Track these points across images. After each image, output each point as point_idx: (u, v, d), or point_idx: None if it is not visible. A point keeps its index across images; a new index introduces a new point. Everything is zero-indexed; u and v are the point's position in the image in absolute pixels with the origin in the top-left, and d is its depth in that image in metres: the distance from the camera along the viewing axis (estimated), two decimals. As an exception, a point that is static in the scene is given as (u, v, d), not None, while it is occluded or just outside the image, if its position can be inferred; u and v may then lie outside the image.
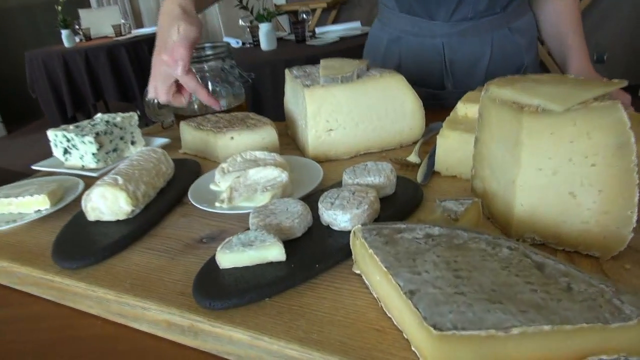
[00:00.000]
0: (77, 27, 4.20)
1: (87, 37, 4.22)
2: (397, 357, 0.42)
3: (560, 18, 1.11)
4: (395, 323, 0.45)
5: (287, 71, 0.96)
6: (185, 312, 0.51)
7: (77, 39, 4.17)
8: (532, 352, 0.37)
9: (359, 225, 0.52)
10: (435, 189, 0.72)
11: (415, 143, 0.89)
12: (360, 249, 0.52)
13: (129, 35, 4.20)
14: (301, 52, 2.85)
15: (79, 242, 0.65)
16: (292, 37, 3.30)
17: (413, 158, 0.81)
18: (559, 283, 0.41)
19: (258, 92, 2.52)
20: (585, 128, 0.48)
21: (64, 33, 3.98)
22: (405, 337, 0.44)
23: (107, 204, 0.68)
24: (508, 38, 1.12)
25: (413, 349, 0.42)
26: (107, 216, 0.69)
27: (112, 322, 0.57)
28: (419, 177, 0.74)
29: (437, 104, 1.14)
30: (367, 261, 0.50)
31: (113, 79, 3.83)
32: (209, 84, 1.05)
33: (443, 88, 1.17)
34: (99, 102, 3.97)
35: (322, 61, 0.92)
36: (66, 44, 4.00)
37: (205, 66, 1.02)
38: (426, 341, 0.38)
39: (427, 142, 0.89)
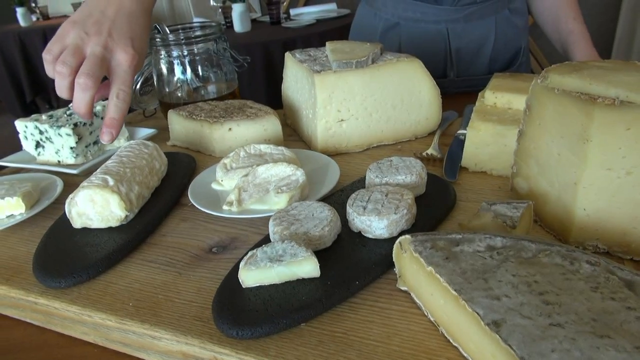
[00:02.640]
0: (33, 4, 3.92)
1: (45, 16, 3.96)
2: (477, 398, 0.35)
3: (557, 1, 1.07)
4: (463, 354, 0.39)
5: (288, 55, 0.87)
6: (206, 342, 0.43)
7: (34, 18, 3.90)
8: (651, 396, 0.31)
9: (407, 236, 0.45)
10: (466, 187, 0.65)
11: (431, 134, 0.82)
12: (409, 263, 0.45)
13: (90, 15, 3.94)
14: (277, 34, 2.74)
15: (65, 255, 0.55)
16: (266, 18, 3.18)
17: (433, 151, 0.75)
18: (660, 307, 0.35)
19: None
20: (668, 123, 0.42)
21: (19, 11, 3.70)
22: (481, 372, 0.37)
23: (97, 209, 0.59)
24: (509, 20, 1.07)
25: (494, 388, 0.35)
26: (97, 223, 0.59)
27: (113, 352, 0.49)
28: (446, 173, 0.68)
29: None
30: (421, 279, 0.43)
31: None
32: (199, 68, 0.95)
33: (445, 76, 1.11)
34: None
35: (328, 44, 0.83)
36: (22, 22, 3.73)
37: (195, 49, 0.92)
38: (525, 386, 0.32)
39: (443, 134, 0.82)
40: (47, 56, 0.64)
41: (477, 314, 0.35)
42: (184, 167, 0.76)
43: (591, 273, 0.39)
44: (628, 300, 0.36)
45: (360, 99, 0.76)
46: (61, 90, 0.63)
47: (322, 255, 0.50)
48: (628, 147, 0.44)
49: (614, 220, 0.47)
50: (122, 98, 0.63)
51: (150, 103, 1.02)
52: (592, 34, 1.06)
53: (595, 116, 0.44)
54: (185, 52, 0.91)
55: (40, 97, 3.69)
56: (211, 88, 0.98)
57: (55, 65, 0.62)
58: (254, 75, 2.46)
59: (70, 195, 0.59)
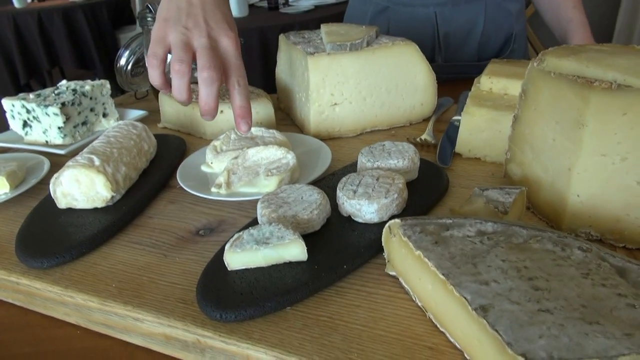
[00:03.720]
0: (28, -15, 3.85)
1: (40, -2, 3.89)
2: (462, 384, 0.35)
3: None
4: (450, 339, 0.38)
5: (282, 37, 0.85)
6: (190, 324, 0.42)
7: (29, 0, 3.84)
8: (639, 384, 0.31)
9: (397, 220, 0.44)
10: (459, 173, 0.64)
11: (426, 120, 0.81)
12: (398, 247, 0.44)
13: (86, -3, 3.89)
14: (275, 20, 2.70)
15: (48, 235, 0.54)
16: (264, 4, 3.14)
17: (428, 137, 0.73)
18: (652, 294, 0.35)
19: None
20: (666, 108, 0.41)
21: (14, -8, 3.64)
22: (467, 357, 0.36)
23: (82, 189, 0.58)
24: (500, 5, 1.06)
25: (480, 374, 0.35)
26: (82, 203, 0.58)
27: (95, 333, 0.48)
28: (439, 159, 0.67)
29: None
30: (409, 263, 0.42)
31: (69, 44, 3.55)
32: (191, 49, 0.93)
33: (433, 61, 1.09)
34: (54, 68, 3.69)
35: (323, 26, 0.82)
36: (16, 4, 3.67)
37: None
38: (511, 372, 0.31)
39: (438, 120, 0.81)
40: (154, 61, 0.59)
41: (465, 298, 0.35)
42: (173, 149, 0.75)
43: (582, 259, 0.38)
44: (619, 287, 0.35)
45: (354, 83, 0.75)
46: (181, 91, 0.58)
47: (310, 238, 0.49)
48: (624, 132, 0.43)
49: (607, 207, 0.46)
50: (242, 85, 0.60)
51: (141, 85, 1.01)
52: (593, 26, 1.05)
53: (591, 100, 0.43)
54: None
55: (34, 80, 3.65)
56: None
57: (172, 66, 0.57)
58: (250, 61, 2.44)
59: (55, 175, 0.58)
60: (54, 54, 3.59)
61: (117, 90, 1.06)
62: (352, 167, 0.63)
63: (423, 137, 0.73)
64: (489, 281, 0.36)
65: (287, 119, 0.88)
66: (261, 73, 2.44)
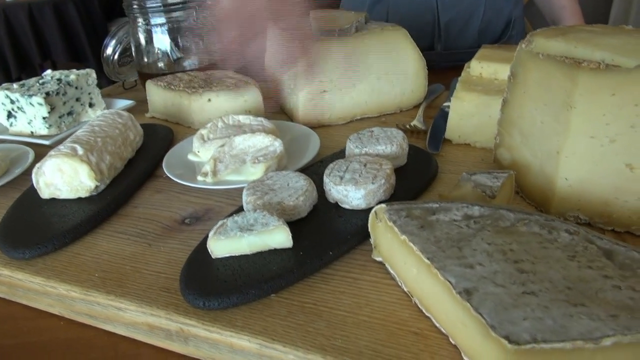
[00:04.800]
0: (17, -22, 3.80)
1: (30, -10, 3.84)
2: (447, 369, 0.34)
3: None
4: (436, 324, 0.37)
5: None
6: (172, 313, 0.41)
7: (19, -8, 3.79)
8: (625, 365, 0.30)
9: (383, 205, 0.43)
10: (449, 159, 0.64)
11: (416, 107, 0.80)
12: (384, 233, 0.43)
13: (77, -11, 3.84)
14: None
15: (31, 226, 0.53)
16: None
17: (418, 123, 0.73)
18: (639, 276, 0.34)
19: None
20: (655, 88, 0.40)
21: (4, -16, 3.59)
22: (453, 342, 0.36)
23: (65, 178, 0.57)
24: None
25: (465, 358, 0.34)
26: (65, 193, 0.57)
27: (79, 324, 0.47)
28: (428, 145, 0.66)
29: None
30: (395, 248, 0.41)
31: (61, 36, 3.51)
32: (178, 39, 0.92)
33: (432, 49, 1.08)
34: (46, 62, 3.66)
35: (311, 12, 0.80)
36: (6, -4, 3.62)
37: (175, 17, 0.88)
38: (494, 355, 0.30)
39: (429, 106, 0.80)
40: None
41: (449, 282, 0.34)
42: (160, 138, 0.74)
43: (569, 242, 0.38)
44: (605, 269, 0.35)
45: (344, 69, 0.74)
46: None
47: (296, 225, 0.48)
48: (612, 113, 0.42)
49: (595, 190, 0.45)
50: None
51: (129, 74, 0.99)
52: (587, 14, 1.04)
53: (579, 81, 0.42)
54: (164, 20, 0.88)
55: (25, 74, 3.61)
56: (193, 60, 0.95)
57: None
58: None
59: (37, 165, 0.57)
60: (46, 47, 3.55)
61: (107, 81, 1.05)
62: (341, 154, 0.62)
63: (413, 123, 0.73)
64: (473, 264, 0.35)
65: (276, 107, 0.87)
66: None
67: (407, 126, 0.72)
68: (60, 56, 3.59)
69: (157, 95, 0.83)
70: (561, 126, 0.45)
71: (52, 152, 0.57)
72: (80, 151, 0.57)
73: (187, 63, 0.95)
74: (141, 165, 0.66)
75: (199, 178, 0.59)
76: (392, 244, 0.42)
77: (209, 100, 0.77)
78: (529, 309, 0.31)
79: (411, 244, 0.38)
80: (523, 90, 0.50)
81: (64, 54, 3.57)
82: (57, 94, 0.76)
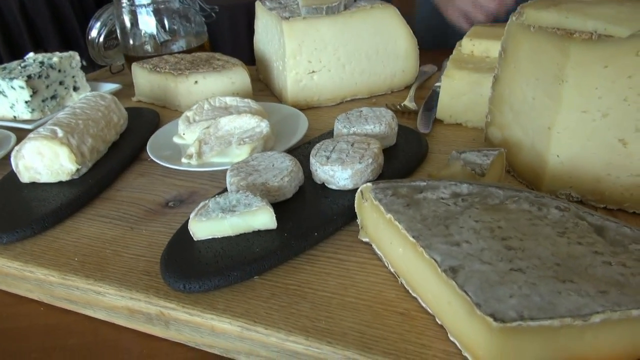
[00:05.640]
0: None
1: (20, -23, 3.77)
2: (433, 349, 0.33)
3: None
4: (422, 304, 0.36)
5: (258, 3, 0.82)
6: (152, 296, 0.40)
7: (8, -21, 3.72)
8: (614, 343, 0.29)
9: (369, 184, 0.42)
10: (439, 139, 0.62)
11: (407, 88, 0.78)
12: (370, 212, 0.42)
13: (67, -24, 3.78)
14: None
15: (10, 210, 0.52)
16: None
17: (408, 103, 0.71)
18: (630, 252, 0.33)
19: (212, 32, 2.31)
20: (649, 59, 0.39)
21: (-8, -29, 3.53)
22: (439, 322, 0.35)
23: (45, 161, 0.55)
24: None
25: (451, 338, 0.33)
26: (46, 177, 0.56)
27: (59, 309, 0.46)
28: (419, 125, 0.65)
29: None
30: (381, 228, 0.40)
31: (52, 24, 3.46)
32: (165, 21, 0.90)
33: None
34: (38, 50, 3.61)
35: (299, -10, 0.78)
36: (-5, -16, 3.56)
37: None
38: (480, 334, 0.29)
39: (421, 87, 0.78)
40: None
41: (435, 260, 0.33)
42: (146, 122, 0.72)
43: (559, 218, 0.36)
44: (596, 245, 0.34)
45: (332, 49, 0.72)
46: None
47: (281, 207, 0.47)
48: (605, 87, 0.41)
49: (587, 167, 0.44)
50: None
51: (116, 58, 0.97)
52: None
53: (571, 53, 0.41)
54: (149, 1, 0.86)
55: (17, 62, 3.56)
56: (180, 42, 0.93)
57: None
58: (237, 34, 2.38)
59: (16, 148, 0.55)
60: (37, 36, 3.50)
61: (99, 68, 1.03)
62: (329, 136, 0.61)
63: (403, 103, 0.71)
64: (460, 242, 0.34)
65: (266, 90, 0.85)
66: (249, 44, 2.38)
67: (398, 106, 0.70)
68: (52, 44, 3.54)
69: (143, 78, 0.81)
70: (552, 101, 0.44)
71: (31, 135, 0.55)
72: (60, 133, 0.55)
73: (175, 46, 0.93)
74: (125, 148, 0.64)
75: (184, 160, 0.57)
76: (378, 224, 0.40)
77: (196, 82, 0.76)
78: (516, 286, 0.30)
79: (397, 223, 0.37)
80: (514, 65, 0.49)
81: (55, 42, 3.52)
82: (40, 77, 0.74)
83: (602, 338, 0.29)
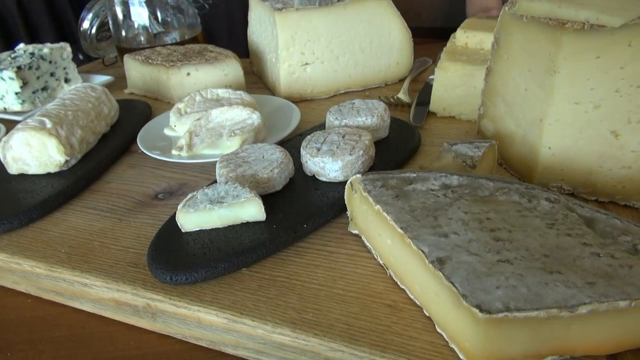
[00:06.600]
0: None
1: (15, -31, 3.75)
2: (420, 341, 0.33)
3: None
4: (410, 296, 0.36)
5: (252, -5, 0.81)
6: (139, 288, 0.40)
7: (3, -29, 3.70)
8: (602, 334, 0.29)
9: (358, 175, 0.41)
10: (432, 131, 0.62)
11: (401, 81, 0.78)
12: (359, 204, 0.41)
13: (63, -32, 3.75)
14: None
15: (-3, 202, 0.51)
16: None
17: (402, 95, 0.71)
18: (619, 243, 0.33)
19: (208, 25, 2.28)
20: (641, 49, 0.38)
21: (-13, -37, 3.50)
22: (427, 314, 0.34)
23: (34, 153, 0.55)
24: None
25: (439, 330, 0.33)
26: (34, 168, 0.55)
27: (47, 301, 0.45)
28: (412, 118, 0.64)
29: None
30: (370, 220, 0.40)
31: (48, 17, 3.44)
32: (158, 12, 0.89)
33: None
34: (34, 43, 3.59)
35: (293, -18, 0.78)
36: (-10, -24, 3.53)
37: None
38: (466, 325, 0.29)
39: (415, 80, 0.78)
40: None
41: (422, 251, 0.32)
42: (138, 114, 0.71)
43: (549, 210, 0.36)
44: (585, 236, 0.33)
45: (326, 41, 0.71)
46: None
47: (271, 198, 0.47)
48: (597, 77, 0.40)
49: (579, 159, 0.44)
50: None
51: (108, 50, 0.96)
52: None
53: (563, 43, 0.40)
54: (142, -8, 0.85)
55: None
56: (173, 34, 0.93)
57: None
58: (232, 27, 2.36)
59: (4, 139, 0.54)
60: (33, 29, 3.48)
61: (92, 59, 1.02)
62: (321, 128, 0.60)
63: (397, 96, 0.70)
64: (448, 233, 0.34)
65: (259, 83, 0.85)
66: (245, 39, 2.36)
67: (391, 99, 0.70)
68: (48, 36, 3.52)
69: (135, 70, 0.81)
70: (545, 92, 0.43)
71: (19, 126, 0.55)
72: (48, 124, 0.55)
73: (168, 38, 0.92)
74: (116, 140, 0.64)
75: (174, 152, 0.57)
76: (367, 215, 0.40)
77: (188, 74, 0.75)
78: (503, 277, 0.30)
79: (385, 214, 0.36)
80: (506, 56, 0.48)
81: (51, 35, 3.50)
82: (30, 68, 0.73)
83: (589, 329, 0.29)
